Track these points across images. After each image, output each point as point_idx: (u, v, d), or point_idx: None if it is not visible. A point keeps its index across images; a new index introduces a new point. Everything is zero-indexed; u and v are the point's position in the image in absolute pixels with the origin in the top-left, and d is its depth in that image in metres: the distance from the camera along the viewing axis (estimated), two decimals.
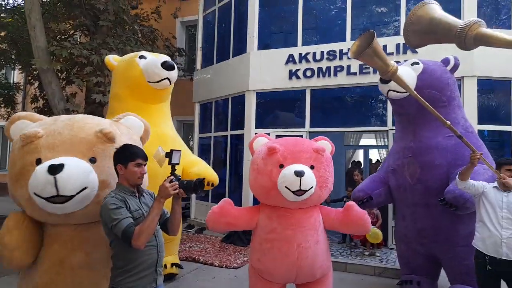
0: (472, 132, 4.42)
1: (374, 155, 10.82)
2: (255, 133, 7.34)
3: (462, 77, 6.18)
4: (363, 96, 7.42)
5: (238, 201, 7.79)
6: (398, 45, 6.66)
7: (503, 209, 3.07)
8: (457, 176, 3.37)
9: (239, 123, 8.22)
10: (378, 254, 5.99)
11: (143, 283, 2.20)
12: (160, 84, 4.59)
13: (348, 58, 7.02)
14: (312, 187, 3.35)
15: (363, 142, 10.51)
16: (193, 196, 9.02)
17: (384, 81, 4.24)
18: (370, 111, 7.32)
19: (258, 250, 3.67)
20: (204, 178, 2.42)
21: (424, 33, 1.29)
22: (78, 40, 9.98)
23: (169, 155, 2.39)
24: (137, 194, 2.35)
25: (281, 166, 3.43)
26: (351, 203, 3.75)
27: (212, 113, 9.20)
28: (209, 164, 8.82)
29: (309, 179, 3.32)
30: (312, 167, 3.46)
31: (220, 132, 8.91)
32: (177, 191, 2.21)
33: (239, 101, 8.26)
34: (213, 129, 9.13)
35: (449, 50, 4.58)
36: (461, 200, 3.61)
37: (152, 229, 2.12)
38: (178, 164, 2.43)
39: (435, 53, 5.40)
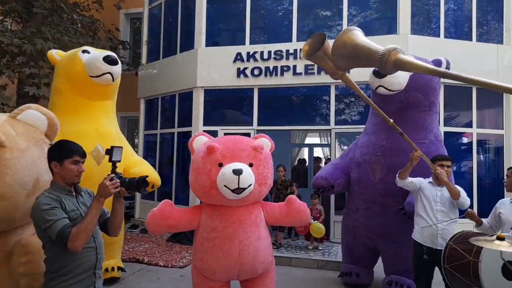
0: (441, 141, 4.50)
1: (318, 153, 11.22)
2: (203, 131, 7.30)
3: None
4: (308, 96, 7.67)
5: (185, 201, 7.68)
6: None
7: (437, 203, 3.34)
8: (397, 175, 3.58)
9: (186, 120, 8.09)
10: (321, 248, 6.25)
11: (80, 287, 2.09)
12: (102, 78, 4.44)
13: (294, 58, 7.22)
14: (251, 184, 3.38)
15: (308, 140, 10.87)
16: (138, 195, 8.72)
17: (378, 74, 4.10)
18: (314, 111, 7.58)
19: (200, 250, 3.65)
20: (147, 176, 2.35)
21: (350, 57, 1.40)
22: (9, 27, 9.14)
23: (109, 151, 2.29)
24: (74, 194, 2.22)
25: (220, 165, 3.42)
26: (292, 196, 3.92)
27: (159, 110, 8.95)
28: (155, 162, 8.68)
29: (248, 176, 3.35)
30: (251, 165, 3.49)
31: (167, 129, 8.70)
32: (118, 189, 2.12)
33: (186, 97, 8.13)
34: (159, 126, 8.89)
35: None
36: None
37: (90, 230, 2.01)
38: (119, 161, 2.33)
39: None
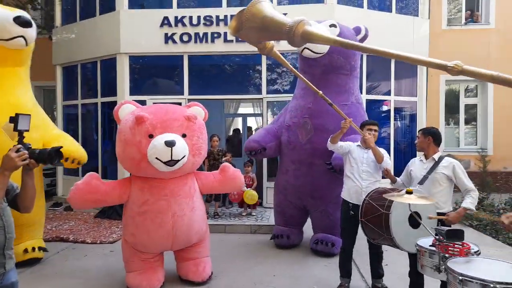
0: (361, 103, 4.88)
1: (252, 123, 11.33)
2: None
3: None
4: (241, 65, 7.59)
5: (113, 175, 7.30)
6: None
7: (363, 164, 3.59)
8: (329, 140, 3.76)
9: (111, 89, 7.55)
10: (254, 214, 6.43)
11: None
12: (12, 43, 3.97)
13: (225, 24, 7.03)
14: (184, 156, 3.32)
15: (242, 110, 10.89)
16: (60, 171, 8.10)
17: None
18: (247, 80, 7.55)
19: (130, 224, 3.55)
20: (61, 147, 2.15)
21: (260, 30, 1.36)
22: None
23: (14, 119, 2.04)
24: None
25: (151, 136, 3.29)
26: (226, 164, 3.95)
27: (79, 78, 8.20)
28: (77, 136, 8.04)
29: (181, 148, 3.27)
30: (184, 136, 3.40)
31: (89, 99, 8.05)
32: (26, 161, 1.91)
33: (110, 64, 7.54)
34: (80, 96, 8.19)
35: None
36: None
37: None
38: (27, 130, 2.10)
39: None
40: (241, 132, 9.91)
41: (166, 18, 7.08)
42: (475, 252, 2.28)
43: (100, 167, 7.73)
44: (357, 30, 4.70)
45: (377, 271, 3.67)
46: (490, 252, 4.53)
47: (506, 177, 8.57)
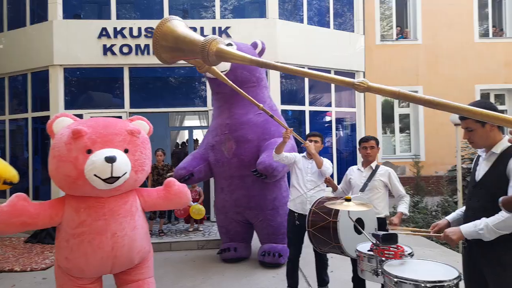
0: (275, 110, 5.04)
1: (198, 135, 11.19)
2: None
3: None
4: (185, 77, 7.49)
5: (46, 195, 6.75)
6: (214, 28, 6.95)
7: (308, 174, 3.69)
8: (273, 151, 3.79)
9: (43, 103, 7.04)
10: (202, 229, 6.29)
11: None
12: None
13: None
14: (126, 172, 3.13)
15: (187, 123, 10.73)
16: None
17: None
18: (192, 92, 7.45)
19: (64, 248, 3.25)
20: None
21: (173, 49, 1.32)
22: None
23: None
24: None
25: (89, 152, 3.06)
26: (170, 179, 3.78)
27: (6, 91, 7.54)
28: (4, 154, 7.36)
29: (122, 164, 3.09)
30: (126, 151, 3.23)
31: (19, 114, 7.44)
32: None
33: (42, 77, 7.03)
34: (8, 110, 7.53)
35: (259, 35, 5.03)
36: (269, 169, 4.19)
37: None
38: None
39: (247, 37, 5.90)
40: (187, 145, 9.74)
41: (104, 29, 6.79)
42: (408, 254, 2.39)
43: (31, 187, 7.13)
44: (254, 45, 5.00)
45: (322, 279, 3.73)
46: (426, 253, 4.83)
47: (437, 181, 9.26)
